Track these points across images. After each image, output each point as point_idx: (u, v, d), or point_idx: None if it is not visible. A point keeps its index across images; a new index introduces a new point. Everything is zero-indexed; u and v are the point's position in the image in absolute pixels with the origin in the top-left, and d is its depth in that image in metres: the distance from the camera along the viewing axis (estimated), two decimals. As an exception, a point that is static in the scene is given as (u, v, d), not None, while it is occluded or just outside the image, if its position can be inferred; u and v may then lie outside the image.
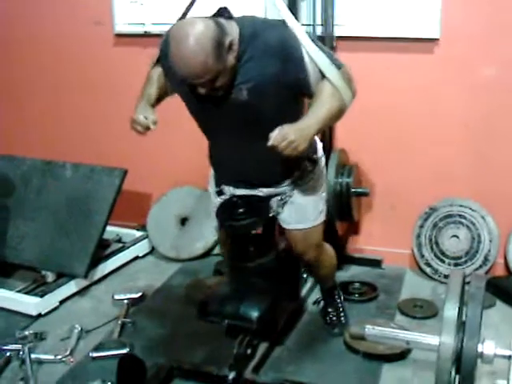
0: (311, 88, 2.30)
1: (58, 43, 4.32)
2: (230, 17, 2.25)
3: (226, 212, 2.56)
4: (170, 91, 2.53)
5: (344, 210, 3.58)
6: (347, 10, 3.58)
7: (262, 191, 2.60)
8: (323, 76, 2.28)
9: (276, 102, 2.30)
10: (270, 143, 2.16)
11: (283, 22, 2.32)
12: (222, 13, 2.24)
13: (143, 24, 3.99)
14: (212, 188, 2.76)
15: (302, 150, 2.23)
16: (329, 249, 2.98)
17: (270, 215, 2.61)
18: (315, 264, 2.91)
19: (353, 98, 2.33)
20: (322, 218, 2.76)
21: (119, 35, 4.12)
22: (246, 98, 2.25)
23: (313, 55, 2.25)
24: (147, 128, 2.35)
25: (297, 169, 2.57)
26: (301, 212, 2.66)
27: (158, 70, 2.52)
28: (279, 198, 2.62)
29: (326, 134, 3.57)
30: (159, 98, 2.56)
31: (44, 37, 4.34)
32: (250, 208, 2.50)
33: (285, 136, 2.16)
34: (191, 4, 2.70)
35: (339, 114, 2.32)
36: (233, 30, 2.19)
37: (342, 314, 3.18)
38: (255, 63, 2.23)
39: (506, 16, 3.42)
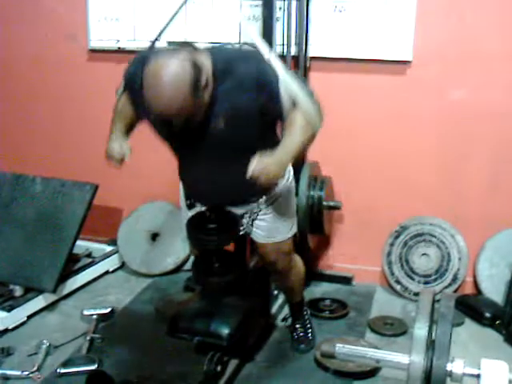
0: (284, 115, 2.35)
1: (31, 57, 4.29)
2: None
3: (196, 226, 2.53)
4: (140, 118, 2.54)
5: (315, 224, 3.56)
6: (321, 30, 3.62)
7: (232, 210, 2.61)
8: (295, 102, 2.33)
9: (251, 130, 2.35)
10: (248, 175, 2.20)
11: (257, 52, 2.35)
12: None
13: (117, 40, 3.99)
14: (183, 201, 2.75)
15: (277, 180, 2.37)
16: (299, 260, 3.00)
17: (241, 233, 2.61)
18: (285, 273, 2.91)
19: (322, 124, 2.40)
20: (294, 230, 2.81)
21: (93, 50, 4.11)
22: (221, 127, 2.28)
23: (287, 85, 2.30)
24: (122, 159, 2.46)
25: (267, 190, 2.58)
26: (272, 229, 2.68)
27: (124, 102, 2.54)
28: (248, 214, 2.63)
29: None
30: (130, 129, 2.60)
31: (17, 51, 4.31)
32: (221, 223, 2.49)
33: (263, 169, 2.22)
34: (166, 25, 2.73)
35: (311, 140, 2.40)
36: (206, 64, 2.18)
37: (309, 330, 3.19)
38: (230, 97, 2.25)
39: (477, 40, 3.48)
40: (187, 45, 2.21)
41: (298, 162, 3.57)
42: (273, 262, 2.80)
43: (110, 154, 2.47)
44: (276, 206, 2.65)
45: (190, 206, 2.69)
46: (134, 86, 2.28)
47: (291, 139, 2.33)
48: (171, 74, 2.04)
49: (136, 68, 2.30)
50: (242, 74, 2.25)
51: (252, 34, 2.51)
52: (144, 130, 2.48)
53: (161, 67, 2.06)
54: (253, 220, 2.64)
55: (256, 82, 2.25)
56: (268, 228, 2.67)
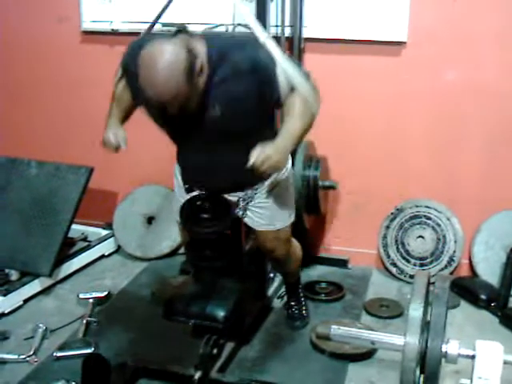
0: (282, 101, 2.33)
1: (24, 40, 4.25)
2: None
3: (190, 215, 2.53)
4: (137, 104, 2.53)
5: (311, 203, 3.53)
6: (316, 11, 3.59)
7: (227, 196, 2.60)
8: (293, 87, 2.32)
9: (249, 117, 2.33)
10: (250, 164, 2.20)
11: (252, 38, 2.35)
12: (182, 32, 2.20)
13: (111, 21, 3.95)
14: (178, 185, 2.74)
15: (280, 169, 2.38)
16: (296, 245, 3.02)
17: (235, 217, 2.60)
18: (283, 259, 2.92)
19: (319, 108, 2.39)
20: (292, 219, 2.79)
21: (86, 32, 4.07)
22: (218, 114, 2.26)
23: (284, 69, 2.28)
24: (118, 147, 2.46)
25: (266, 177, 2.57)
26: (273, 217, 2.68)
27: (122, 88, 2.54)
28: (243, 199, 2.62)
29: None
30: (127, 115, 2.60)
31: (9, 33, 4.27)
32: (215, 213, 2.48)
33: (265, 158, 2.21)
34: (164, 9, 2.73)
35: (310, 126, 2.39)
36: (200, 50, 2.17)
37: (303, 308, 3.24)
38: (226, 85, 2.23)
39: (472, 20, 3.46)
40: (182, 30, 2.18)
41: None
42: (271, 250, 2.81)
43: (106, 141, 2.47)
44: (276, 194, 2.64)
45: (189, 191, 2.68)
46: (131, 71, 2.28)
47: (291, 125, 2.33)
48: (165, 60, 2.03)
49: (132, 54, 2.27)
50: (238, 61, 2.23)
51: (246, 16, 2.50)
52: (139, 113, 2.47)
53: (155, 54, 2.05)
54: (247, 203, 2.63)
55: (252, 68, 2.23)
56: (268, 216, 2.66)
